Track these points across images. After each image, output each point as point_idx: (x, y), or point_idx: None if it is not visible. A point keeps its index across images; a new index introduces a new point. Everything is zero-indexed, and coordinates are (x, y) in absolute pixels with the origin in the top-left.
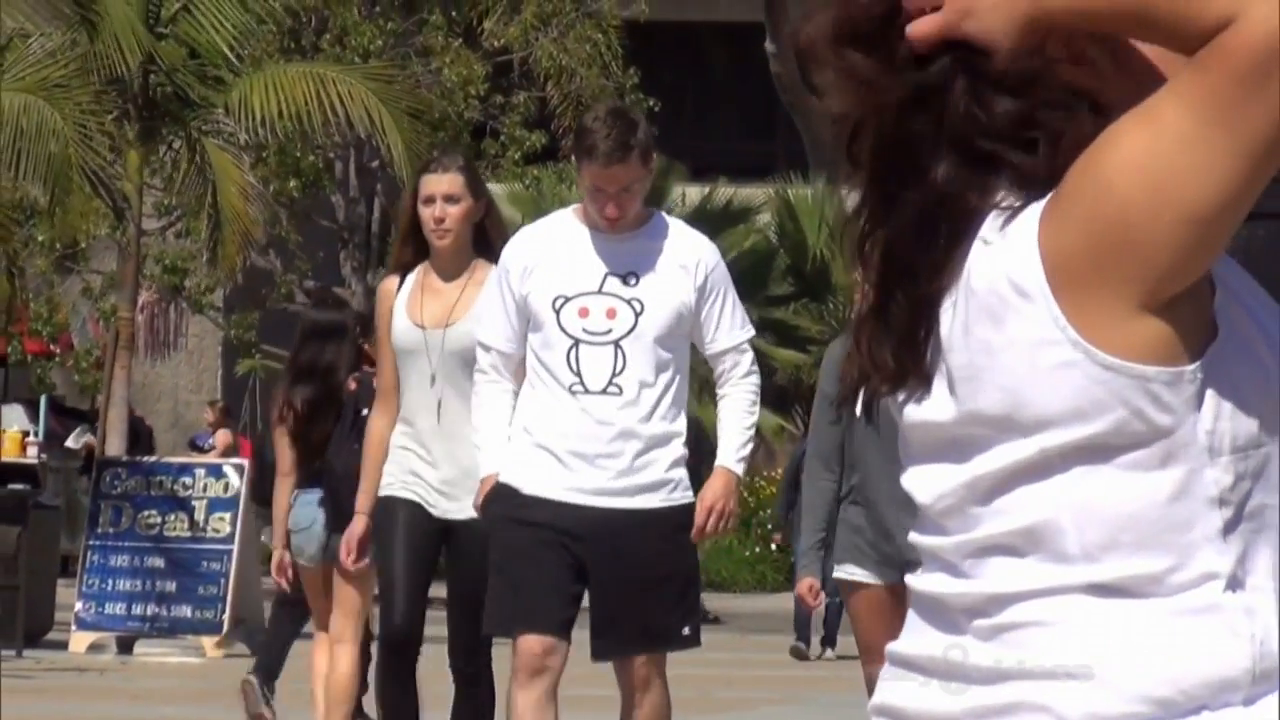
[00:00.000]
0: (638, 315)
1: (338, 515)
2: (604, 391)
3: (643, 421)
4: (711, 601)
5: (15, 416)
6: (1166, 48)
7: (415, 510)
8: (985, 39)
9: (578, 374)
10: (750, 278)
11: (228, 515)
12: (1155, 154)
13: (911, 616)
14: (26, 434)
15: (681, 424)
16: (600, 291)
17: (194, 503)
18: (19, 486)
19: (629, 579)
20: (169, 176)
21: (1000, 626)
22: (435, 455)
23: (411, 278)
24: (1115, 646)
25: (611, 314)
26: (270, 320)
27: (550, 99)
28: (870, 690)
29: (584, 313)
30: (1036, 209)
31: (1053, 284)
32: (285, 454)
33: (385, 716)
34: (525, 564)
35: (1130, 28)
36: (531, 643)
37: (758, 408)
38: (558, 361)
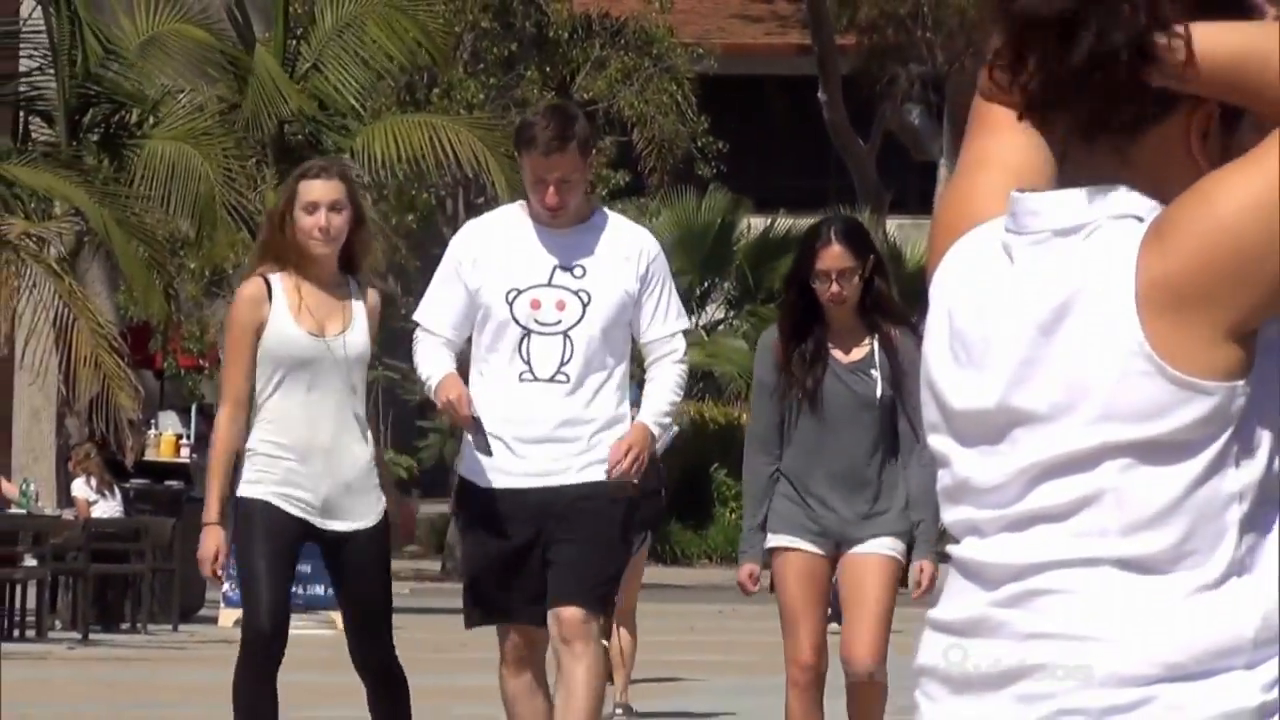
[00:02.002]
0: (585, 306)
1: None
2: (551, 379)
3: (586, 407)
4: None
5: (170, 422)
6: None
7: (274, 511)
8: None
9: (527, 362)
10: None
11: None
12: (1273, 194)
13: (951, 582)
14: (180, 437)
15: (625, 409)
16: (550, 284)
17: None
18: (174, 483)
19: (573, 537)
20: None
21: (1034, 592)
22: (319, 469)
23: (283, 286)
24: (1136, 616)
25: (561, 306)
26: (391, 337)
27: (635, 143)
28: (791, 671)
29: (535, 304)
30: (1133, 230)
31: (1143, 303)
32: None
33: (244, 717)
34: (499, 569)
35: None
36: (515, 638)
37: (683, 391)
38: (508, 350)
